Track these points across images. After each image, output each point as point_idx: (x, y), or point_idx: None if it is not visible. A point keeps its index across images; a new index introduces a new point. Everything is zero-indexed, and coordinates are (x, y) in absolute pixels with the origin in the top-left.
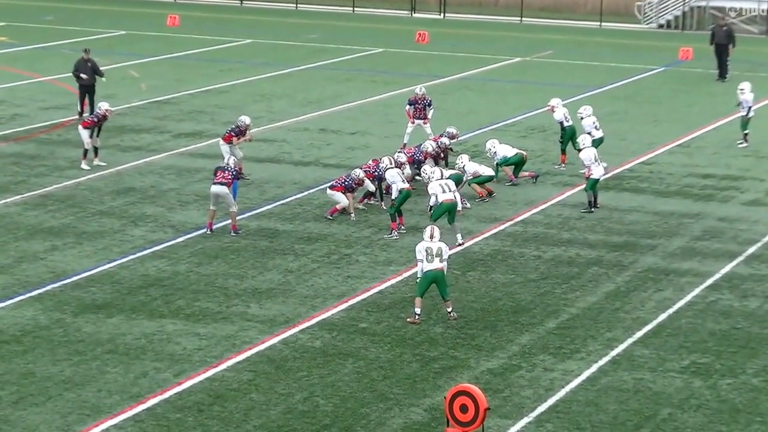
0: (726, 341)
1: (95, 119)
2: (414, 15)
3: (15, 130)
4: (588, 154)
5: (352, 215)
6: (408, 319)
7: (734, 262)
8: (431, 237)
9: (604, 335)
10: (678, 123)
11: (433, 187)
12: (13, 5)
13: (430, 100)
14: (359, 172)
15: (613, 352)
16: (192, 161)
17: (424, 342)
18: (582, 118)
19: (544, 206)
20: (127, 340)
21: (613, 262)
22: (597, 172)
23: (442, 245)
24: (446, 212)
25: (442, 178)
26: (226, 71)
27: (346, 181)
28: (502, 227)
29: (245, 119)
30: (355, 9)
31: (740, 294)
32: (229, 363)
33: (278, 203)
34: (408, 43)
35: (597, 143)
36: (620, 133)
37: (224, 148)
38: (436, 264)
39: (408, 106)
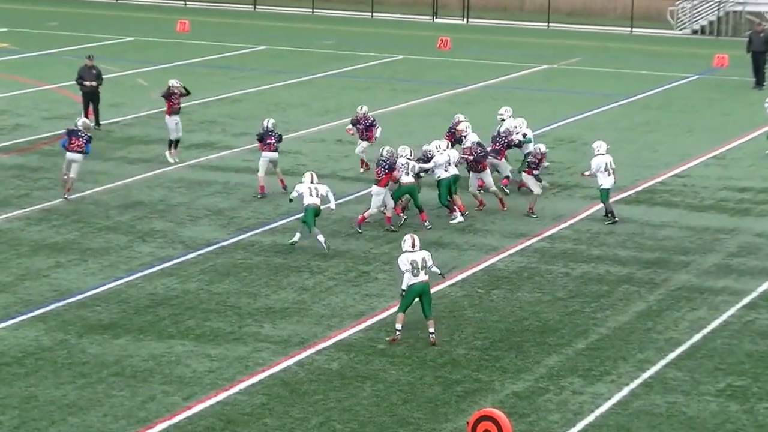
0: (763, 363)
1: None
2: (436, 20)
3: (17, 141)
4: (599, 161)
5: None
6: (388, 338)
7: None
8: (413, 246)
9: (635, 356)
10: (713, 133)
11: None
12: (16, 10)
13: (374, 120)
14: (387, 150)
15: (645, 375)
16: (203, 174)
17: (447, 364)
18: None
19: (572, 221)
20: (134, 362)
21: (644, 280)
22: (607, 181)
23: (425, 254)
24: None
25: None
26: (238, 79)
27: (384, 164)
28: (528, 243)
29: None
30: (374, 14)
31: None
32: (242, 386)
33: (293, 218)
34: (429, 49)
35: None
36: (652, 144)
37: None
38: (422, 277)
39: (351, 126)
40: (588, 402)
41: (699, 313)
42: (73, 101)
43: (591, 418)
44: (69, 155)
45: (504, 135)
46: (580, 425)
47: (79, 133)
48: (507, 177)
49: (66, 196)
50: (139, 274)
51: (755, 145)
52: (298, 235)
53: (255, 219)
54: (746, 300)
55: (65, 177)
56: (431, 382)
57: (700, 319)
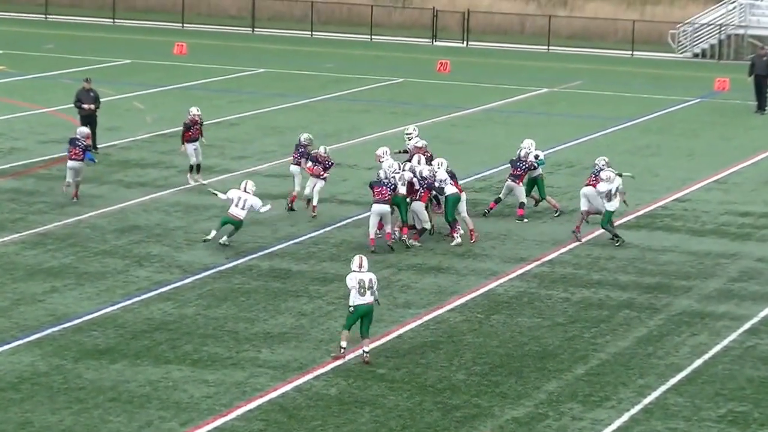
0: (765, 389)
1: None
2: (435, 43)
3: (12, 164)
4: (604, 187)
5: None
6: (332, 355)
7: None
8: (360, 267)
9: (635, 382)
10: (714, 158)
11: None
12: (12, 32)
13: (333, 162)
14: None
15: (646, 400)
16: (200, 198)
17: (446, 389)
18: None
19: (572, 246)
20: (131, 388)
21: (645, 305)
22: (612, 205)
23: (372, 276)
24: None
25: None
26: (236, 102)
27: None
28: (527, 268)
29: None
30: (373, 37)
31: None
32: (239, 412)
33: (292, 242)
34: (429, 72)
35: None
36: (653, 169)
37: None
38: (368, 298)
39: (309, 162)
40: (588, 428)
41: (700, 338)
42: (70, 124)
43: None
44: (68, 163)
45: (524, 159)
46: None
47: (77, 142)
48: (522, 204)
49: (73, 200)
50: (136, 299)
51: (757, 169)
52: (213, 232)
53: (253, 243)
54: (747, 325)
55: (66, 186)
56: (430, 407)
57: (701, 344)
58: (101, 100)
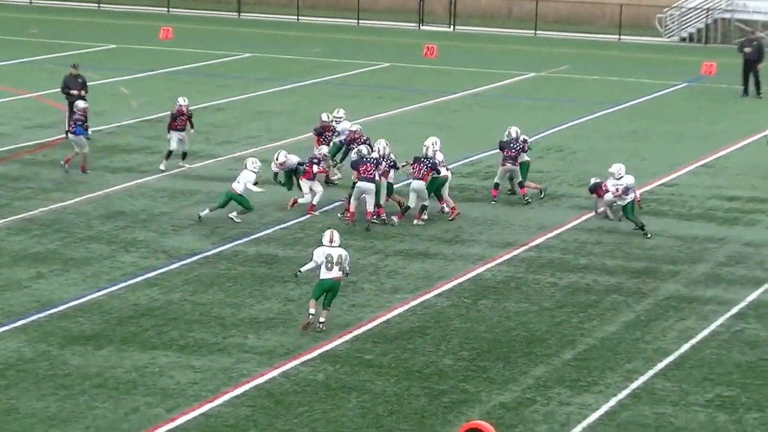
0: (752, 373)
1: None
2: (422, 27)
3: None
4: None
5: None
6: (302, 325)
7: (761, 290)
8: (331, 241)
9: (623, 367)
10: (701, 142)
11: None
12: None
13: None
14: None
15: (633, 385)
16: (186, 183)
17: (433, 375)
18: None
19: (559, 230)
20: (117, 374)
21: (632, 290)
22: (630, 197)
23: (343, 252)
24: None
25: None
26: (222, 87)
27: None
28: (515, 253)
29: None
30: (360, 21)
31: (767, 323)
32: (226, 397)
33: (278, 227)
34: (416, 57)
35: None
36: (640, 153)
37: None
38: (335, 273)
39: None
40: (575, 413)
41: (687, 323)
42: (55, 109)
43: (578, 429)
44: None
45: (516, 139)
46: None
47: (74, 116)
48: (521, 183)
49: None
50: (122, 285)
51: (744, 153)
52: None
53: (239, 229)
54: (735, 310)
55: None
56: (418, 393)
57: (688, 329)
58: (88, 84)
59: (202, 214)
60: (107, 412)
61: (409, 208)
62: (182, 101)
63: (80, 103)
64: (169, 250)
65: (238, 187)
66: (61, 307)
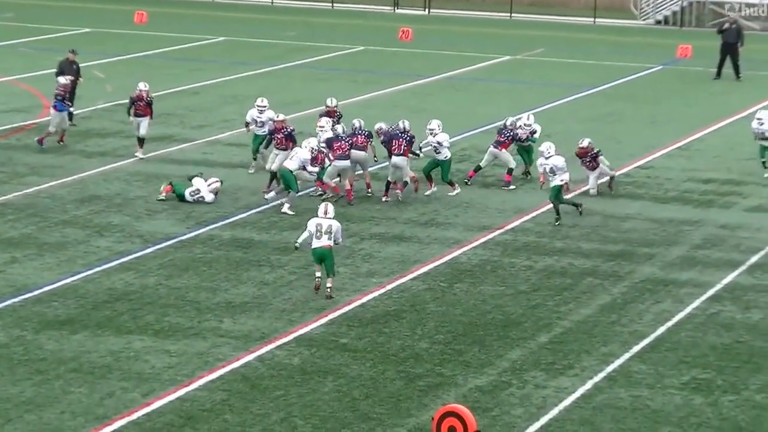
0: (728, 356)
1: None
2: (397, 11)
3: None
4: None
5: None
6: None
7: (736, 272)
8: (325, 213)
9: (599, 350)
10: (677, 124)
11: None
12: None
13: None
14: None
15: (609, 368)
16: (161, 167)
17: (409, 358)
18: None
19: (535, 213)
20: (92, 358)
21: (608, 273)
22: (556, 180)
23: (333, 223)
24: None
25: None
26: (197, 71)
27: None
28: (490, 236)
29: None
30: (335, 5)
31: (743, 306)
32: (201, 382)
33: (253, 211)
34: (391, 40)
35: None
36: (616, 136)
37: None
38: (324, 241)
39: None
40: (551, 396)
41: (663, 305)
42: (30, 94)
43: (554, 412)
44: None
45: (510, 128)
46: (544, 419)
47: (55, 91)
48: (510, 170)
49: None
50: (97, 269)
51: (719, 136)
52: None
53: (214, 213)
54: (711, 292)
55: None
56: (393, 376)
57: (664, 311)
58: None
59: (267, 196)
60: (82, 396)
61: (406, 183)
62: (142, 86)
63: (61, 79)
64: (144, 235)
65: (290, 164)
66: (36, 292)
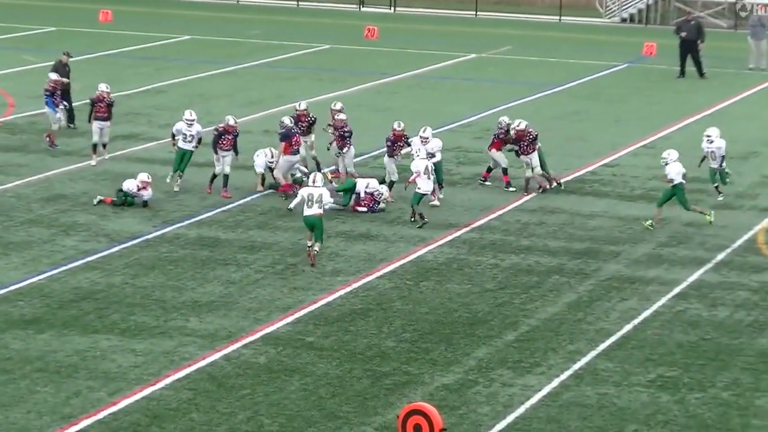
0: (694, 353)
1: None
2: (363, 9)
3: None
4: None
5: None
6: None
7: (702, 270)
8: (313, 182)
9: (565, 348)
10: (642, 122)
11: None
12: None
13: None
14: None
15: (576, 366)
16: (127, 166)
17: (375, 357)
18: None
19: (501, 212)
20: (59, 358)
21: (574, 271)
22: (425, 185)
23: (323, 191)
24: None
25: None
26: (162, 70)
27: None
28: (457, 234)
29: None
30: (300, 3)
31: (709, 303)
32: (168, 381)
33: (219, 210)
34: (356, 39)
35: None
36: (581, 134)
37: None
38: (315, 210)
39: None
40: (518, 394)
41: (629, 303)
42: None
43: (521, 410)
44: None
45: (499, 127)
46: (510, 418)
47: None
48: (504, 170)
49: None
50: (63, 268)
51: (685, 134)
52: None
53: (180, 212)
54: (677, 290)
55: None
56: (360, 375)
57: (630, 309)
58: (24, 68)
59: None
60: (48, 396)
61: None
62: (103, 87)
63: (51, 75)
64: (110, 234)
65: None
66: (1, 291)
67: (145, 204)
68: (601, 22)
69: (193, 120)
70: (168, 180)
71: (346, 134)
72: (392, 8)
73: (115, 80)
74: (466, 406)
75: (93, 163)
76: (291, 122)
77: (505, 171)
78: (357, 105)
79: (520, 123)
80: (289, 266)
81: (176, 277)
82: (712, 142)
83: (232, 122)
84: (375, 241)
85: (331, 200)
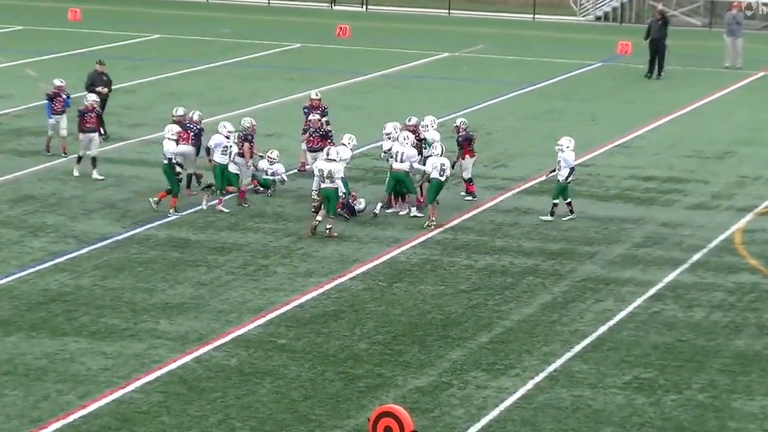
0: (670, 355)
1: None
2: (334, 7)
3: None
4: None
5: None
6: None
7: (678, 270)
8: (327, 155)
9: (540, 350)
10: (617, 122)
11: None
12: None
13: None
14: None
15: (550, 368)
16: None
17: (348, 359)
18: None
19: (475, 212)
20: (27, 360)
21: (549, 272)
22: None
23: (332, 167)
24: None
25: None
26: (132, 69)
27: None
28: (430, 235)
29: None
30: (271, 2)
31: (685, 304)
32: (138, 384)
33: (190, 211)
34: (328, 37)
35: None
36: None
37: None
38: (328, 184)
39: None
40: (492, 396)
41: (605, 304)
42: None
43: (495, 412)
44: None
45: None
46: (485, 420)
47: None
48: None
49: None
50: (31, 270)
51: (660, 133)
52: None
53: (150, 212)
54: (652, 291)
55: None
56: (332, 377)
57: (606, 310)
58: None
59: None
60: (17, 399)
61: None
62: (58, 82)
63: (89, 96)
64: (80, 235)
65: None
66: None
67: (282, 182)
68: (575, 21)
69: (231, 131)
70: (205, 204)
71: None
72: (364, 6)
73: (84, 79)
74: (440, 408)
75: (76, 173)
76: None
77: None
78: (329, 104)
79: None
80: (261, 267)
81: (146, 279)
82: (563, 151)
83: (196, 117)
84: (348, 241)
85: (343, 175)
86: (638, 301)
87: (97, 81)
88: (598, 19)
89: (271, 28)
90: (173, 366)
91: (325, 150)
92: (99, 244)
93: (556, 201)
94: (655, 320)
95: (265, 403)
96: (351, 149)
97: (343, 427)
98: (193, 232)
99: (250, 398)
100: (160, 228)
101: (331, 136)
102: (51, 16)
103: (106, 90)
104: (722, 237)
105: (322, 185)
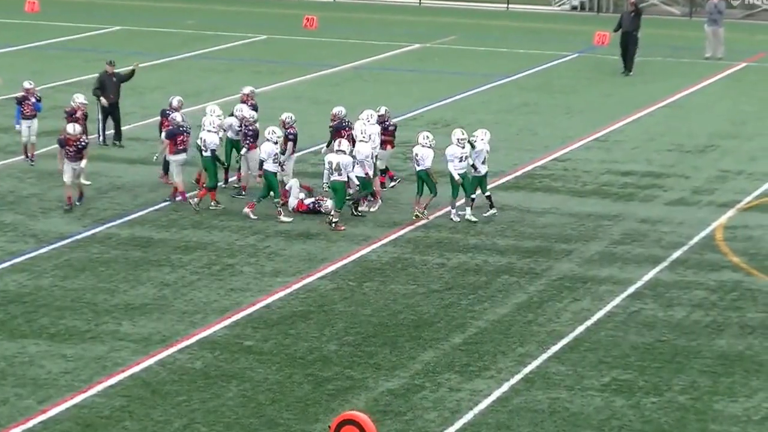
0: (650, 355)
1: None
2: None
3: None
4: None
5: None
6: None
7: (658, 268)
8: (339, 144)
9: (515, 351)
10: (594, 115)
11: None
12: None
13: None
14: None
15: (526, 370)
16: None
17: (317, 361)
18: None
19: (447, 209)
20: None
21: (524, 270)
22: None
23: (342, 160)
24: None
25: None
26: (92, 62)
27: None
28: (401, 232)
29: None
30: None
31: (665, 303)
32: (100, 387)
33: (152, 209)
34: (295, 29)
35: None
36: (531, 127)
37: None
38: (336, 176)
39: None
40: (466, 399)
41: (582, 303)
42: None
43: (469, 416)
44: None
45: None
46: (459, 424)
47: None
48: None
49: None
50: None
51: (638, 126)
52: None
53: (112, 210)
54: (631, 289)
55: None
56: (301, 380)
57: (583, 310)
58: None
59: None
60: None
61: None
62: (27, 84)
63: (102, 100)
64: (38, 234)
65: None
66: None
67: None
68: (550, 10)
69: (279, 136)
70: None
71: (249, 133)
72: None
73: (42, 73)
74: (412, 411)
75: (28, 161)
76: (180, 118)
77: (384, 171)
78: (296, 97)
79: (379, 108)
80: (226, 267)
81: (108, 279)
82: (476, 141)
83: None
84: (316, 240)
85: (350, 169)
86: (617, 301)
87: (107, 83)
88: (574, 8)
89: (235, 20)
90: (136, 369)
91: (336, 142)
92: (59, 244)
93: (474, 195)
94: (634, 320)
95: (231, 407)
96: (372, 147)
97: (312, 431)
98: (156, 231)
99: (215, 402)
100: (121, 227)
101: (348, 125)
102: (7, 7)
103: (106, 102)
104: (703, 234)
105: (332, 178)
